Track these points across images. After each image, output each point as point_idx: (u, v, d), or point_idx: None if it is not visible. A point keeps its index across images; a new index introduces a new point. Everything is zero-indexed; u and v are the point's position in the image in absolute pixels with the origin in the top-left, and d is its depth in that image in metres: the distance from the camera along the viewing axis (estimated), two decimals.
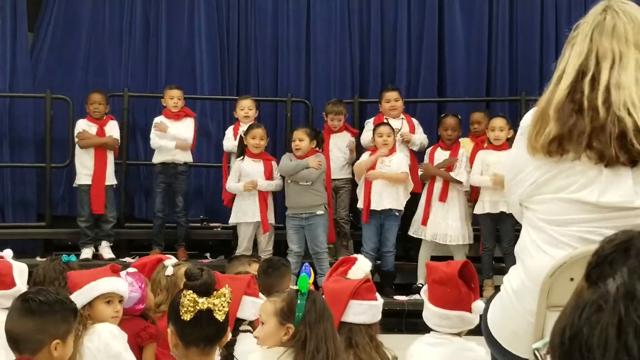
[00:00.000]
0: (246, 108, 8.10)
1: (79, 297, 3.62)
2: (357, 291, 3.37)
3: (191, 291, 2.62)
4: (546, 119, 2.34)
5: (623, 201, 2.29)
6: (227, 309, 2.65)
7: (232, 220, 7.77)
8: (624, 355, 0.78)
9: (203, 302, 2.61)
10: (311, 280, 3.03)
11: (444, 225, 7.42)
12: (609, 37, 2.36)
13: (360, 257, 4.06)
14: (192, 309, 2.61)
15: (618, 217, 2.28)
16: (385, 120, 7.77)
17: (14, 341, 2.84)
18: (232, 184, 7.66)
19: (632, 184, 2.28)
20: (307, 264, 3.19)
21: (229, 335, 2.85)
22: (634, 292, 0.80)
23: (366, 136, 7.84)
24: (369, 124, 7.94)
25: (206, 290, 2.63)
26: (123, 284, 3.85)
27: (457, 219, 7.43)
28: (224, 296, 2.64)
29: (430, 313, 3.56)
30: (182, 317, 2.61)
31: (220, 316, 2.63)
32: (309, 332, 2.89)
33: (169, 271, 4.24)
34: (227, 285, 2.69)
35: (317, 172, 7.40)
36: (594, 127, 2.28)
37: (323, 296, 3.14)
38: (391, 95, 7.98)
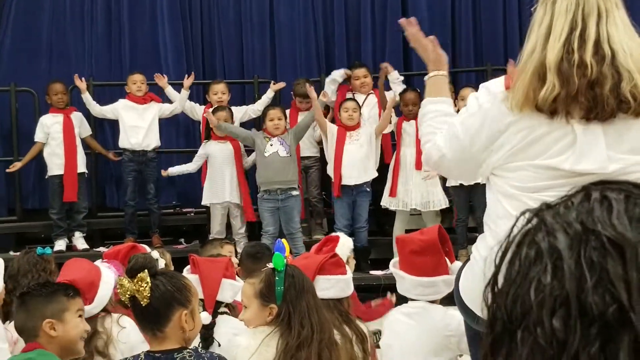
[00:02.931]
0: (219, 92, 8.06)
1: None
2: (323, 266, 3.39)
3: (123, 277, 2.60)
4: (543, 76, 2.34)
5: (597, 168, 2.32)
6: (147, 294, 2.55)
7: (204, 202, 7.79)
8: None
9: (127, 288, 2.56)
10: (287, 254, 3.03)
11: (417, 193, 7.42)
12: None
13: (342, 235, 4.09)
14: (124, 295, 2.59)
15: (591, 181, 2.30)
16: (350, 96, 7.84)
17: (20, 335, 2.99)
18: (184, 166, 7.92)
19: (605, 149, 2.32)
20: (279, 240, 3.18)
21: (201, 321, 2.85)
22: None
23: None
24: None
25: (132, 274, 2.58)
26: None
27: (426, 185, 7.43)
28: (142, 281, 2.55)
29: (412, 284, 3.57)
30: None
31: (143, 301, 2.55)
32: (292, 310, 2.90)
33: (161, 262, 4.25)
34: (145, 270, 2.59)
35: (310, 114, 7.57)
36: (582, 83, 2.30)
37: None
38: (359, 72, 8.03)
